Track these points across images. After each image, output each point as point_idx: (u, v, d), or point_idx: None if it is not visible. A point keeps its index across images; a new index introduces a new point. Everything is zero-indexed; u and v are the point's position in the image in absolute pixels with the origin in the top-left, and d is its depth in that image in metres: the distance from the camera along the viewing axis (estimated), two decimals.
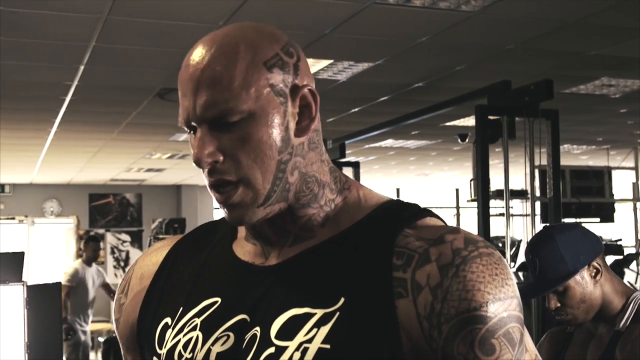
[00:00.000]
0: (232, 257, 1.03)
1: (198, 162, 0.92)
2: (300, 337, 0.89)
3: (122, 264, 12.76)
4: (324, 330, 0.89)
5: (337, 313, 0.89)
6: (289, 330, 0.90)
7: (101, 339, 8.02)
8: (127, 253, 12.81)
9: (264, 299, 0.95)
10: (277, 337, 0.90)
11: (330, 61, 4.68)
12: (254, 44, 0.93)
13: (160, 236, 10.17)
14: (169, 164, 10.02)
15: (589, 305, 1.97)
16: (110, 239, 12.79)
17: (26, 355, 3.10)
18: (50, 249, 12.38)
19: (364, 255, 0.93)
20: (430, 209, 1.01)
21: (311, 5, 3.65)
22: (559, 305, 1.98)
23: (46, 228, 12.49)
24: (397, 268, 0.90)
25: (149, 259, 1.12)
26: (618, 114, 6.94)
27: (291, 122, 0.95)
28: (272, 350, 0.90)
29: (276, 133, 0.93)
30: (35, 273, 11.71)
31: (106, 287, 7.48)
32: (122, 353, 1.15)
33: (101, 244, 12.69)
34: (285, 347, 0.89)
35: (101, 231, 12.77)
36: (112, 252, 12.75)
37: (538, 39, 4.33)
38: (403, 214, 0.97)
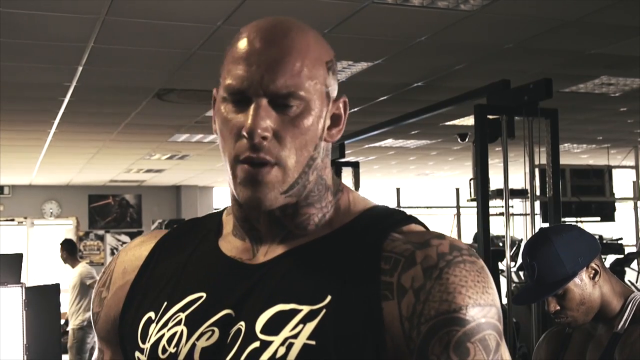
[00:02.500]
0: (218, 253, 1.03)
1: (252, 132, 0.91)
2: (285, 332, 0.90)
3: None
4: (310, 326, 0.90)
5: (324, 310, 0.90)
6: (275, 325, 0.91)
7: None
8: None
9: (250, 294, 0.95)
10: (263, 331, 0.91)
11: None
12: (321, 42, 1.00)
13: None
14: (168, 164, 10.01)
15: (588, 307, 1.96)
16: (110, 240, 12.79)
17: (25, 356, 3.09)
18: (50, 251, 12.37)
19: (352, 257, 0.94)
20: (414, 215, 1.02)
21: (310, 5, 3.64)
22: (558, 308, 1.97)
23: (45, 229, 12.48)
24: (385, 272, 0.92)
25: (131, 253, 1.13)
26: (618, 112, 6.93)
27: (326, 125, 0.99)
28: (257, 344, 0.91)
29: (318, 129, 0.97)
30: (35, 275, 11.70)
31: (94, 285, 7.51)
32: (97, 346, 1.15)
33: (101, 245, 12.78)
34: (271, 342, 0.90)
35: (101, 232, 12.77)
36: (112, 253, 12.73)
37: (537, 38, 4.33)
38: (390, 219, 0.99)
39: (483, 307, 0.88)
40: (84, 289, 7.39)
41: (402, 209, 1.03)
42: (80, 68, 4.75)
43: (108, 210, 12.87)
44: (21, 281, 3.44)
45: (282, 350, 0.89)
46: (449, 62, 4.88)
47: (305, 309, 0.91)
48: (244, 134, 0.92)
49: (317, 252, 0.97)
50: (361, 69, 4.93)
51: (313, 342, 0.89)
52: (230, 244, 1.04)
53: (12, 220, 12.39)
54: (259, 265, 0.99)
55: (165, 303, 1.01)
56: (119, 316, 1.08)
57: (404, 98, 5.85)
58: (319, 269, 0.95)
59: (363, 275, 0.92)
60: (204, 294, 0.99)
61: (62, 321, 7.40)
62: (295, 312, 0.91)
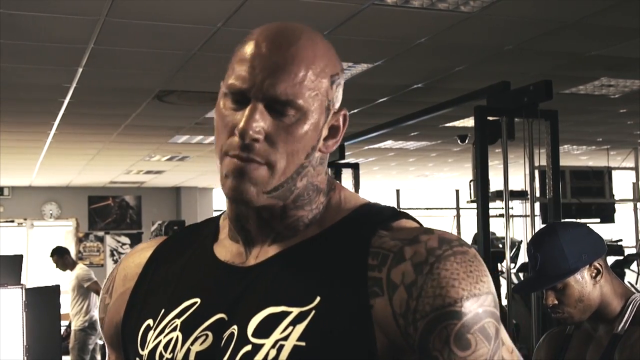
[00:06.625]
0: (213, 259, 1.05)
1: (244, 133, 0.93)
2: (276, 334, 0.92)
3: None
4: (300, 328, 0.91)
5: (313, 311, 0.92)
6: (266, 328, 0.93)
7: (100, 342, 8.04)
8: None
9: (241, 298, 0.97)
10: (254, 335, 0.93)
11: None
12: (329, 54, 1.00)
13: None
14: (168, 166, 10.01)
15: (586, 305, 1.97)
16: (110, 241, 12.78)
17: (25, 357, 3.09)
18: (50, 252, 12.34)
19: (340, 256, 0.96)
20: (404, 211, 1.03)
21: (310, 6, 3.64)
22: (556, 302, 1.99)
23: (45, 231, 12.47)
24: (373, 268, 0.93)
25: (131, 260, 1.15)
26: (618, 114, 6.93)
27: (322, 135, 1.01)
28: (248, 348, 0.92)
29: (312, 139, 0.98)
30: (35, 276, 11.70)
31: (92, 287, 7.51)
32: (107, 352, 1.18)
33: (100, 246, 12.78)
34: (262, 345, 0.92)
35: (101, 233, 12.76)
36: (112, 255, 12.74)
37: (537, 40, 4.33)
38: (379, 216, 1.00)
39: (478, 297, 0.89)
40: (83, 290, 7.40)
41: (394, 206, 1.04)
42: (80, 69, 4.76)
43: (108, 211, 12.87)
44: (21, 282, 3.45)
45: (273, 353, 0.91)
46: (449, 64, 4.88)
47: (295, 310, 0.93)
48: (236, 132, 0.94)
49: (307, 252, 0.99)
50: (361, 70, 4.93)
51: (303, 344, 0.90)
52: (225, 249, 1.05)
53: (12, 221, 12.38)
54: (250, 268, 1.00)
55: (163, 310, 1.04)
56: (120, 323, 1.11)
57: (404, 99, 5.86)
58: (308, 269, 0.97)
59: (350, 272, 0.93)
60: (198, 300, 1.01)
61: (65, 322, 7.41)
62: (285, 314, 0.93)
